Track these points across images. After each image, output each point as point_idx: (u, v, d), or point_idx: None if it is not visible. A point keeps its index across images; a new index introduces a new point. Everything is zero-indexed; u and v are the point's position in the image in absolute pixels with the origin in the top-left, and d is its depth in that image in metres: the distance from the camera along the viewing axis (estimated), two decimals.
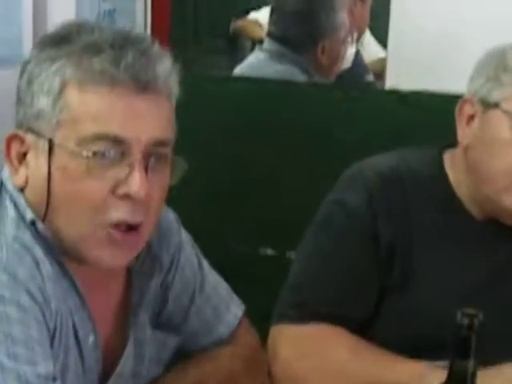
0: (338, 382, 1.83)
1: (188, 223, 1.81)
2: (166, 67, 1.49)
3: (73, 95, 1.45)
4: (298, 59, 3.26)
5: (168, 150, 1.52)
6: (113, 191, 1.45)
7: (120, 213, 1.46)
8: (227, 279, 1.88)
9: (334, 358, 1.86)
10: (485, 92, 1.86)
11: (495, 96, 1.84)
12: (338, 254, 1.93)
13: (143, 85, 1.45)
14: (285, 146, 2.47)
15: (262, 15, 4.37)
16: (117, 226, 1.47)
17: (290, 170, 2.43)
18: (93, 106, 1.45)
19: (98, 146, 1.44)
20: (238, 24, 5.08)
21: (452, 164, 1.97)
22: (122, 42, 1.46)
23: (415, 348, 1.77)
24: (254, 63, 3.37)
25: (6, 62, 2.40)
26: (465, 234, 1.95)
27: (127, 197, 1.45)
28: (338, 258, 1.93)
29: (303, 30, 3.27)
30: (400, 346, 1.80)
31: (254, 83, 2.84)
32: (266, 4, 4.16)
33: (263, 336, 1.91)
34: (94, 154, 1.43)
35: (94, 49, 1.45)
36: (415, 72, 2.38)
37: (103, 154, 1.44)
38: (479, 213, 1.94)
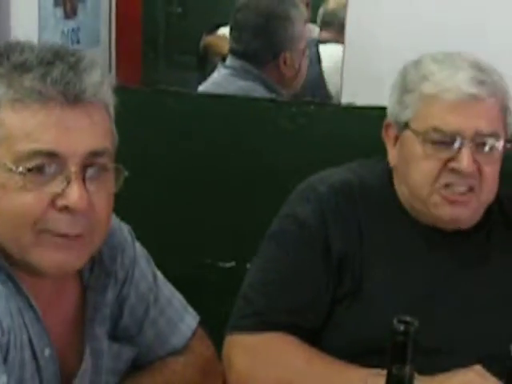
0: None
1: (147, 236, 1.83)
2: (95, 78, 1.49)
3: (6, 114, 1.46)
4: (261, 74, 3.24)
5: (106, 160, 1.52)
6: (52, 204, 1.46)
7: (59, 226, 1.47)
8: (187, 290, 1.90)
9: (289, 367, 1.88)
10: (396, 114, 1.97)
11: (403, 117, 1.94)
12: (291, 265, 1.96)
13: (72, 98, 1.46)
14: (244, 159, 2.50)
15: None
16: (58, 237, 1.48)
17: (247, 185, 2.46)
18: (26, 124, 1.45)
19: (34, 162, 1.44)
20: (207, 40, 5.04)
21: (396, 178, 2.01)
22: (51, 58, 1.47)
23: (364, 355, 1.79)
24: (218, 80, 3.36)
25: None
26: (413, 243, 1.99)
27: (66, 209, 1.46)
28: (290, 268, 1.96)
29: (263, 44, 3.26)
30: (349, 352, 1.84)
31: (214, 100, 2.84)
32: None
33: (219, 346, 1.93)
34: (30, 170, 1.44)
35: (23, 67, 1.46)
36: (370, 88, 2.39)
37: (39, 170, 1.45)
38: (424, 222, 1.98)
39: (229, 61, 3.37)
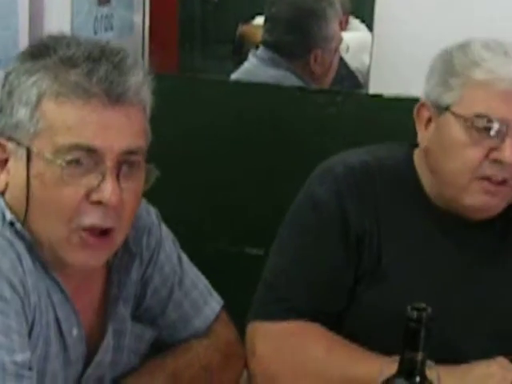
0: (313, 379, 1.86)
1: (174, 220, 1.84)
2: (137, 79, 1.52)
3: (49, 107, 1.48)
4: (291, 66, 3.26)
5: (140, 158, 1.55)
6: (86, 197, 1.48)
7: (92, 218, 1.49)
8: (211, 276, 1.90)
9: (310, 356, 1.87)
10: (436, 96, 1.90)
11: (445, 100, 1.87)
12: (309, 248, 1.96)
13: (115, 97, 1.48)
14: (273, 147, 2.52)
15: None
16: (89, 230, 1.50)
17: (277, 173, 2.48)
18: (68, 118, 1.47)
19: (72, 155, 1.46)
20: (243, 29, 5.05)
21: (419, 162, 2.00)
22: (97, 56, 1.49)
23: (385, 332, 1.74)
24: (250, 68, 3.37)
25: (2, 65, 2.34)
26: (431, 228, 1.97)
27: (99, 203, 1.48)
28: (309, 252, 1.95)
29: (295, 38, 3.28)
30: (370, 331, 1.86)
31: (245, 87, 2.90)
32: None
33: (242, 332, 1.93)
34: (69, 162, 1.46)
35: (70, 62, 1.48)
36: (397, 79, 2.39)
37: (77, 163, 1.47)
38: (446, 208, 1.95)
39: (260, 51, 3.38)
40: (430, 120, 1.93)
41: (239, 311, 1.91)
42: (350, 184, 1.94)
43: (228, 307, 1.91)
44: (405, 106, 2.08)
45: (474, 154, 1.83)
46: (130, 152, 1.52)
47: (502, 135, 1.81)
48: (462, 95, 1.85)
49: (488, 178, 1.83)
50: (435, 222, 1.97)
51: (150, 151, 1.58)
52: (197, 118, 2.49)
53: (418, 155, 2.01)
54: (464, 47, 1.89)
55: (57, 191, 1.47)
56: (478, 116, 1.81)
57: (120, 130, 1.50)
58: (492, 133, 1.80)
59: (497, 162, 1.81)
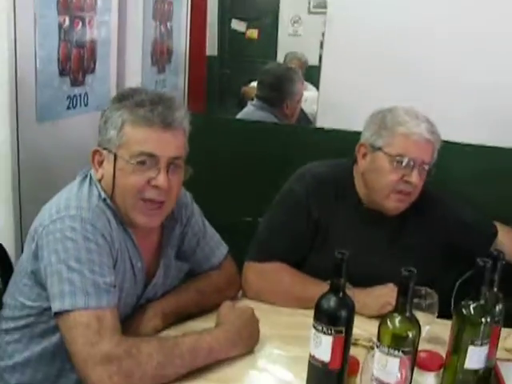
0: (285, 296, 1.85)
1: (204, 201, 1.85)
2: (181, 114, 1.54)
3: (128, 130, 1.50)
4: (273, 110, 3.27)
5: (181, 162, 1.56)
6: (148, 183, 1.51)
7: (152, 194, 1.52)
8: (222, 236, 1.89)
9: (281, 281, 1.87)
10: (372, 140, 1.88)
11: (378, 143, 1.86)
12: (286, 220, 1.95)
13: (167, 124, 1.50)
14: (262, 157, 2.48)
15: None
16: (149, 201, 1.52)
17: (262, 172, 2.44)
18: (139, 136, 1.50)
19: (141, 158, 1.49)
20: (244, 89, 5.06)
21: (356, 176, 1.97)
22: (157, 100, 1.51)
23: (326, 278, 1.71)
24: (247, 112, 3.38)
25: (99, 108, 2.39)
26: (361, 217, 1.95)
27: (156, 187, 1.51)
28: (285, 222, 1.95)
29: (275, 94, 3.29)
30: (319, 275, 1.80)
31: (245, 123, 2.89)
32: None
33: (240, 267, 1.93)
34: (138, 162, 1.49)
35: (141, 103, 1.50)
36: (338, 115, 2.37)
37: (143, 163, 1.50)
38: (370, 206, 1.95)
39: (254, 101, 3.40)
40: (365, 154, 1.91)
41: (239, 256, 1.92)
42: (313, 186, 1.94)
43: (232, 254, 1.90)
44: (339, 135, 2.13)
45: (393, 177, 1.83)
46: (175, 158, 1.54)
47: (411, 167, 1.82)
48: (389, 141, 1.84)
49: (401, 192, 1.84)
50: (363, 214, 1.96)
51: (188, 158, 1.60)
52: (215, 140, 2.44)
53: (356, 171, 1.97)
54: (392, 111, 1.88)
55: (130, 179, 1.51)
56: (399, 155, 1.82)
57: (170, 144, 1.52)
58: (405, 166, 1.81)
59: (408, 182, 1.82)
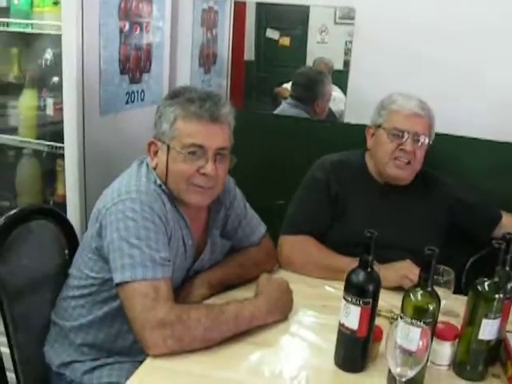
0: (312, 266, 1.83)
1: (245, 186, 1.83)
2: (226, 110, 1.51)
3: (180, 124, 1.48)
4: (305, 108, 3.18)
5: (227, 152, 1.54)
6: (197, 171, 1.49)
7: (201, 181, 1.51)
8: (260, 215, 1.87)
9: (309, 252, 1.87)
10: (375, 120, 1.96)
11: (379, 122, 1.93)
12: (310, 199, 1.97)
13: (215, 119, 1.48)
14: (294, 149, 2.46)
15: (289, 85, 4.33)
16: (198, 186, 1.51)
17: (293, 162, 2.40)
18: (189, 129, 1.48)
19: (191, 149, 1.48)
20: (276, 89, 5.00)
21: (367, 158, 2.02)
22: (205, 97, 1.49)
23: (347, 247, 1.76)
24: (283, 109, 3.31)
25: (154, 103, 2.43)
26: (373, 192, 1.97)
27: (204, 174, 1.49)
28: (309, 201, 1.97)
29: (308, 94, 3.22)
30: (340, 245, 1.84)
31: (282, 118, 2.90)
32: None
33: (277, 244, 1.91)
34: (189, 152, 1.48)
35: (191, 100, 1.48)
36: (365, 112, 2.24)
37: (193, 153, 1.48)
38: (381, 181, 1.98)
39: (289, 100, 3.32)
40: (372, 134, 1.97)
41: (274, 234, 1.90)
42: (332, 171, 1.97)
43: (268, 232, 1.88)
44: (362, 129, 2.03)
45: (390, 146, 1.88)
46: (222, 148, 1.52)
47: (405, 137, 1.87)
48: (386, 119, 1.91)
49: (397, 158, 1.88)
50: (375, 189, 1.98)
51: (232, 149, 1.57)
52: (254, 133, 2.42)
53: (367, 155, 2.02)
54: (389, 96, 1.95)
55: (182, 167, 1.49)
56: (395, 128, 1.88)
57: (217, 136, 1.50)
58: (400, 137, 1.87)
59: (402, 150, 1.86)
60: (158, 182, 1.52)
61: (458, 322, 1.43)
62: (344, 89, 4.02)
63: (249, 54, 6.06)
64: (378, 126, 1.92)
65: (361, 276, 1.29)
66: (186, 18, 2.71)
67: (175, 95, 1.52)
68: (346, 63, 6.73)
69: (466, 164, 2.18)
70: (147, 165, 1.57)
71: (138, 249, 1.39)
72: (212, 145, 1.48)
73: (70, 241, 1.75)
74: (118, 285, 1.40)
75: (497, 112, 2.23)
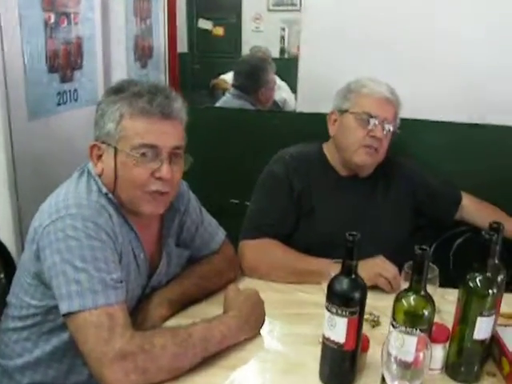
0: (279, 270, 1.74)
1: (195, 188, 1.71)
2: (179, 104, 1.40)
3: (127, 122, 1.36)
4: (248, 98, 3.19)
5: (181, 151, 1.43)
6: (152, 175, 1.37)
7: (156, 186, 1.39)
8: (220, 217, 1.79)
9: (274, 256, 1.77)
10: (340, 105, 1.87)
11: (346, 106, 1.85)
12: (270, 199, 1.87)
13: (167, 115, 1.37)
14: (243, 143, 2.37)
15: (227, 76, 4.33)
16: (154, 192, 1.39)
17: (246, 158, 2.34)
18: (139, 128, 1.36)
19: (142, 150, 1.36)
20: (213, 81, 5.00)
21: (327, 148, 1.95)
22: (154, 90, 1.37)
23: (314, 248, 1.73)
24: (226, 100, 3.30)
25: (89, 103, 2.35)
26: (337, 185, 1.91)
27: (160, 178, 1.38)
28: (271, 200, 1.87)
29: (251, 83, 3.20)
30: (307, 247, 1.77)
31: (224, 111, 2.80)
32: (229, 70, 4.05)
33: (236, 248, 1.81)
34: (141, 154, 1.36)
35: (139, 94, 1.36)
36: (312, 103, 2.25)
37: (145, 155, 1.36)
38: (344, 172, 1.91)
39: (232, 90, 3.31)
40: (335, 120, 1.89)
41: (231, 236, 1.81)
42: (292, 165, 1.88)
43: (228, 234, 1.78)
44: (315, 118, 1.99)
45: (360, 132, 1.80)
46: (177, 147, 1.40)
47: (375, 123, 1.80)
48: (355, 102, 1.83)
49: (368, 146, 1.81)
50: (339, 182, 1.91)
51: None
52: (198, 129, 2.18)
53: (326, 145, 1.96)
54: (356, 80, 1.88)
55: (133, 172, 1.37)
56: (364, 113, 1.80)
57: (170, 134, 1.38)
58: (368, 123, 1.80)
59: (373, 137, 1.79)
60: (104, 190, 1.38)
61: (440, 318, 1.36)
62: (283, 77, 4.00)
63: (181, 45, 5.97)
64: (344, 111, 1.84)
65: (345, 284, 1.17)
66: (118, 8, 2.59)
67: (119, 90, 1.39)
68: (282, 51, 6.71)
69: (424, 146, 2.16)
70: (89, 172, 1.43)
71: (85, 272, 1.25)
72: (166, 144, 1.37)
73: (6, 264, 1.63)
74: (65, 315, 1.24)
75: (454, 93, 2.20)
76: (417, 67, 2.20)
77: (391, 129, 1.81)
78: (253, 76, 3.17)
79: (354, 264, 1.17)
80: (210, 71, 5.45)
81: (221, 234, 1.73)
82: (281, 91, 3.93)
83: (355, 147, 1.81)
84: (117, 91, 1.39)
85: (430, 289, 1.36)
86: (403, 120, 1.89)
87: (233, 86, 3.27)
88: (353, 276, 1.17)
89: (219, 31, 7.08)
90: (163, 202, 1.43)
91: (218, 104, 3.27)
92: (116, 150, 1.36)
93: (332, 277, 1.20)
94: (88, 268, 1.25)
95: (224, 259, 1.69)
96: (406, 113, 1.90)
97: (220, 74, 4.75)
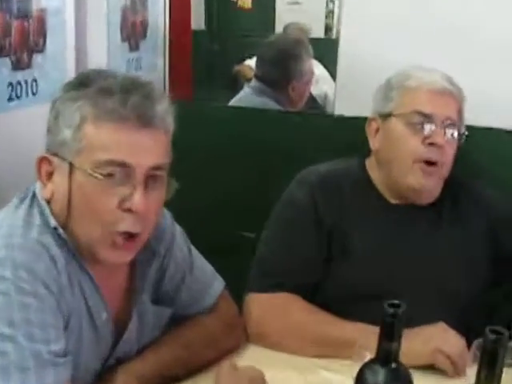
0: (298, 338, 1.71)
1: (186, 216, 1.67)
2: (163, 108, 1.37)
3: (89, 129, 1.32)
4: (273, 94, 3.14)
5: (163, 173, 1.39)
6: (119, 206, 1.33)
7: (126, 225, 1.35)
8: (216, 257, 1.74)
9: (293, 319, 1.74)
10: (381, 108, 1.85)
11: (388, 108, 1.82)
12: (289, 237, 1.85)
13: (145, 122, 1.32)
14: (263, 155, 2.36)
15: (253, 61, 4.34)
16: (121, 234, 1.36)
17: (263, 178, 2.33)
18: (105, 138, 1.32)
19: (109, 169, 1.31)
20: (236, 68, 5.03)
21: (370, 166, 1.92)
22: (130, 87, 1.34)
23: (351, 300, 1.72)
24: (243, 97, 3.27)
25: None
26: (385, 217, 1.86)
27: (130, 210, 1.34)
28: (289, 240, 1.85)
29: (278, 73, 3.14)
30: (340, 299, 1.75)
31: (240, 111, 2.78)
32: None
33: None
34: (105, 175, 1.31)
35: (107, 92, 1.32)
36: (357, 102, 2.18)
37: (112, 176, 1.32)
38: (395, 199, 1.87)
39: (252, 82, 3.28)
40: (377, 130, 1.87)
41: (238, 288, 1.80)
42: (321, 189, 1.85)
43: (228, 287, 1.75)
44: (360, 124, 1.95)
45: (413, 141, 1.77)
46: (157, 167, 1.36)
47: (432, 124, 1.76)
48: (399, 101, 1.81)
49: (426, 161, 1.77)
50: (387, 212, 1.87)
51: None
52: (203, 134, 2.35)
53: (369, 162, 1.93)
54: (398, 72, 1.87)
55: (95, 199, 1.33)
56: (414, 112, 1.77)
57: (148, 149, 1.35)
58: (423, 122, 1.76)
59: (432, 144, 1.75)
60: (53, 223, 1.34)
61: None
62: (326, 64, 3.95)
63: (197, 21, 6.03)
64: (387, 116, 1.81)
65: (380, 376, 1.12)
66: None
67: (82, 84, 1.35)
68: (328, 28, 6.62)
69: (501, 165, 2.14)
70: (34, 196, 1.39)
71: (12, 341, 1.21)
72: (141, 162, 1.33)
73: None
74: None
75: None
76: (492, 65, 2.20)
77: (456, 133, 1.77)
78: (280, 64, 3.12)
79: (395, 347, 1.11)
80: (234, 55, 5.53)
81: (217, 284, 1.70)
82: (321, 83, 3.91)
83: (407, 164, 1.78)
84: (79, 85, 1.35)
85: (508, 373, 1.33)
86: (472, 129, 1.86)
87: (255, 76, 3.25)
88: (393, 365, 1.11)
89: (246, 3, 7.21)
90: (132, 247, 1.40)
91: (232, 101, 3.25)
92: (72, 167, 1.32)
93: (365, 358, 1.17)
94: (16, 335, 1.21)
95: (220, 321, 1.66)
96: (477, 120, 1.89)
97: (245, 59, 4.74)
